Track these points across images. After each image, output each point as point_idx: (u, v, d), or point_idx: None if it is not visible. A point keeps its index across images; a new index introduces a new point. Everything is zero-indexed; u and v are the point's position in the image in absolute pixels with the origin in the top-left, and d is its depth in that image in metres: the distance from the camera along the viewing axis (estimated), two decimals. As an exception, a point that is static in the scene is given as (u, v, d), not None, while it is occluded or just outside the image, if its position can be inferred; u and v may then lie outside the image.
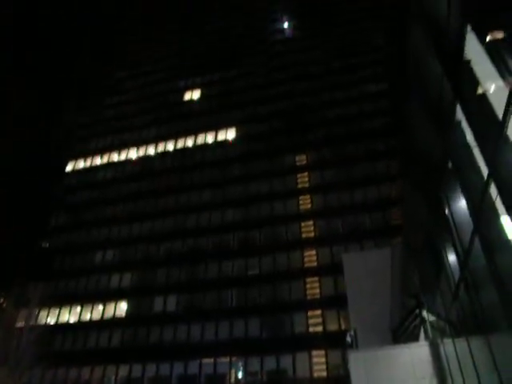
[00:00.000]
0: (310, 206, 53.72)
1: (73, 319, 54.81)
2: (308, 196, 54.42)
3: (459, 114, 13.99)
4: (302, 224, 52.39)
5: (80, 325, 53.87)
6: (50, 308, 55.72)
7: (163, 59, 79.92)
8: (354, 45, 66.06)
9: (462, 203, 14.47)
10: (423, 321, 20.57)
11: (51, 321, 55.34)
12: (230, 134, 63.83)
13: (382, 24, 65.26)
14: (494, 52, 10.33)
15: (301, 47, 70.16)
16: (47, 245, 63.84)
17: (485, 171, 11.17)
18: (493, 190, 10.77)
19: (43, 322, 55.03)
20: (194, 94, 72.08)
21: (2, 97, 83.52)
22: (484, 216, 11.24)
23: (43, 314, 55.58)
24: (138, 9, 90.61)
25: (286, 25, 77.08)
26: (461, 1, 11.81)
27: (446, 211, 15.55)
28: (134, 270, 55.84)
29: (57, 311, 55.62)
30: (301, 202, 54.25)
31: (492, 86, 11.53)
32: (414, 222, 19.61)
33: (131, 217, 60.33)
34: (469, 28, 11.85)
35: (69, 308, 55.47)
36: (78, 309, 55.07)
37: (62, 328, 54.12)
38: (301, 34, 73.47)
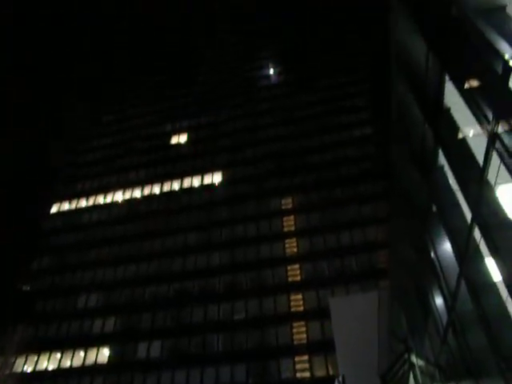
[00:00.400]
0: (296, 249, 53.64)
1: (52, 366, 52.93)
2: (294, 239, 54.43)
3: (441, 159, 14.43)
4: (288, 267, 52.11)
5: (60, 372, 51.98)
6: (27, 355, 53.97)
7: (151, 103, 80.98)
8: (339, 91, 67.84)
9: (447, 246, 14.69)
10: (412, 365, 20.34)
11: (28, 369, 53.43)
12: (216, 178, 64.19)
13: (366, 70, 67.57)
14: (471, 99, 10.84)
15: (286, 92, 71.78)
16: (28, 287, 62.39)
17: (468, 215, 11.44)
18: (477, 234, 11.00)
19: (19, 370, 53.29)
20: (181, 138, 72.81)
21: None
22: (469, 259, 11.43)
23: (20, 361, 53.82)
24: (127, 55, 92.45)
25: (271, 71, 79.00)
26: (438, 52, 12.44)
27: (432, 254, 15.74)
28: (117, 314, 54.57)
29: (35, 358, 53.74)
30: (287, 245, 54.18)
31: (471, 132, 12.02)
32: (401, 265, 19.74)
33: (116, 260, 59.46)
34: (447, 77, 12.43)
35: (48, 354, 53.65)
36: (58, 355, 53.28)
37: (40, 376, 52.25)
38: (287, 80, 75.30)
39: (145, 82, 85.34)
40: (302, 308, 48.62)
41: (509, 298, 10.46)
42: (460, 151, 12.04)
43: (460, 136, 12.62)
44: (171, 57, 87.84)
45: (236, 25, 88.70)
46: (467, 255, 11.58)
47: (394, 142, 17.57)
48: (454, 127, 12.37)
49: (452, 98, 12.00)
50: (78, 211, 68.57)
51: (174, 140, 73.01)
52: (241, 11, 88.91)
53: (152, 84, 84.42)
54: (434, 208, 15.25)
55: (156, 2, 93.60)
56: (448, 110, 12.72)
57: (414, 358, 19.89)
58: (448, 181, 13.69)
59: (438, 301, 15.82)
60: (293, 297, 49.64)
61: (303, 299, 49.02)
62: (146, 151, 72.50)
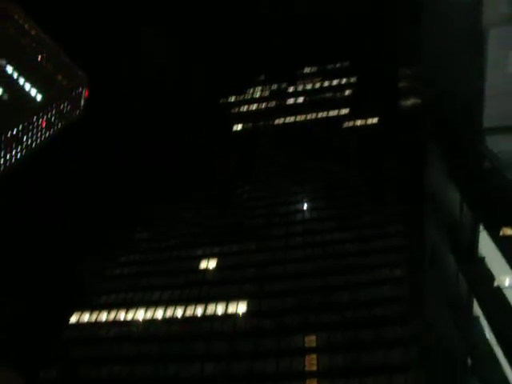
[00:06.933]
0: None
1: None
2: (315, 380, 51.50)
3: (477, 309, 14.09)
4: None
5: None
6: None
7: (184, 225, 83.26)
8: (371, 230, 68.61)
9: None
10: None
11: None
12: (240, 307, 63.21)
13: (399, 210, 68.66)
14: (506, 248, 10.95)
15: (318, 229, 72.99)
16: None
17: (507, 368, 10.90)
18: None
19: None
20: (210, 263, 73.40)
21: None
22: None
23: None
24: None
25: (305, 205, 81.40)
26: (472, 202, 12.89)
27: (466, 411, 14.61)
28: None
29: None
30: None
31: (507, 281, 11.90)
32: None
33: (127, 380, 57.09)
34: (481, 227, 12.70)
35: None
36: None
37: None
38: (319, 216, 76.99)
39: (181, 207, 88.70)
40: None
41: None
42: (495, 301, 11.84)
43: (495, 285, 12.48)
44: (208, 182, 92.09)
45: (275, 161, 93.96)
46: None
47: (427, 288, 17.39)
48: (489, 276, 12.30)
49: (487, 246, 12.15)
50: (97, 324, 67.67)
51: (203, 265, 73.59)
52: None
53: (188, 206, 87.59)
54: (469, 361, 14.55)
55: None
56: (482, 259, 12.77)
57: None
58: (485, 333, 13.24)
59: None
60: None
61: None
62: (174, 272, 72.97)
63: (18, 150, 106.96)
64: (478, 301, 13.61)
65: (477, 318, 14.26)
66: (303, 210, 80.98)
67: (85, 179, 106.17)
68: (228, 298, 64.82)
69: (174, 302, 67.17)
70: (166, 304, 67.34)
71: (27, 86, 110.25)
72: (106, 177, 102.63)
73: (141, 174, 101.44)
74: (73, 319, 69.86)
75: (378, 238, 67.05)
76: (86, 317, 69.68)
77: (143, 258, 78.85)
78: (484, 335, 13.70)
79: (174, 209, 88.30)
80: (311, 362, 53.66)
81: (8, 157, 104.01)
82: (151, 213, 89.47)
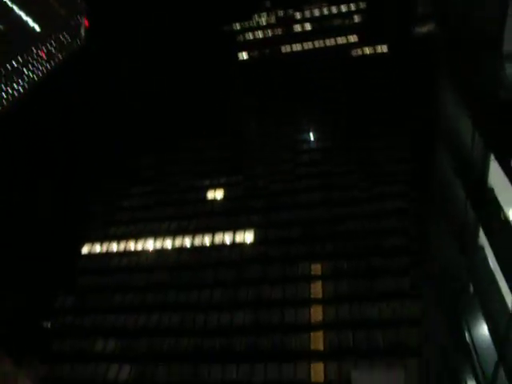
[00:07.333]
0: (321, 317, 52.44)
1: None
2: (320, 307, 53.36)
3: (482, 239, 14.17)
4: (312, 335, 50.85)
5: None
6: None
7: (190, 161, 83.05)
8: (376, 160, 68.30)
9: (483, 330, 14.10)
10: None
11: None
12: (248, 236, 64.39)
13: (406, 140, 67.98)
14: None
15: (325, 159, 72.68)
16: (48, 325, 62.60)
17: (508, 298, 11.09)
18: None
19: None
20: (218, 194, 74.03)
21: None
22: (509, 345, 10.94)
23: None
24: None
25: (311, 136, 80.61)
26: (484, 132, 12.58)
27: (467, 336, 15.12)
28: (134, 362, 53.92)
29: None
30: (312, 312, 53.12)
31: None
32: (432, 345, 18.97)
33: (139, 308, 59.47)
34: (492, 157, 12.46)
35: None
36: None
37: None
38: (326, 146, 76.42)
39: (189, 137, 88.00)
40: (322, 378, 46.90)
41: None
42: (503, 233, 11.85)
43: (502, 217, 12.45)
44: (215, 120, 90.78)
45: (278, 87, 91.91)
46: (508, 343, 11.12)
47: (433, 218, 17.45)
48: (497, 208, 12.23)
49: (497, 178, 11.97)
50: (109, 254, 69.61)
51: (210, 195, 74.25)
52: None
53: (196, 136, 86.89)
54: (472, 288, 14.84)
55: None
56: (491, 190, 12.65)
57: None
58: (488, 263, 13.38)
59: (471, 386, 15.03)
60: (313, 366, 48.06)
61: (324, 369, 47.37)
62: (182, 203, 73.84)
63: (20, 83, 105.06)
64: (485, 231, 13.62)
65: (482, 248, 14.36)
66: (310, 140, 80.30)
67: (88, 111, 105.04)
68: (235, 228, 65.95)
69: (183, 232, 68.51)
70: (175, 234, 68.71)
71: (24, 17, 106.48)
72: (111, 108, 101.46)
73: (149, 103, 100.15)
74: (85, 250, 71.79)
75: (385, 165, 66.88)
76: (97, 248, 71.52)
77: (152, 189, 79.52)
78: (488, 265, 13.84)
79: (182, 139, 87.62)
80: (316, 289, 55.36)
81: (10, 90, 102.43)
82: (160, 143, 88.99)
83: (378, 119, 75.30)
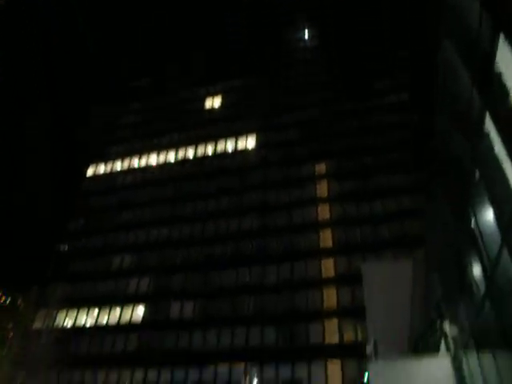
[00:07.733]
0: (328, 215, 53.52)
1: (90, 322, 55.16)
2: (327, 205, 54.26)
3: (488, 125, 13.85)
4: (320, 233, 52.20)
5: (97, 328, 54.18)
6: (67, 310, 56.23)
7: (186, 67, 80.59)
8: (376, 55, 65.89)
9: (489, 214, 14.25)
10: (444, 334, 20.24)
11: (68, 323, 55.81)
12: (250, 142, 64.05)
13: (406, 35, 65.23)
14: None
15: (322, 58, 70.22)
16: (66, 248, 64.55)
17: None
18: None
19: (60, 324, 55.57)
20: (216, 101, 72.58)
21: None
22: (513, 229, 11.07)
23: (61, 316, 56.11)
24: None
25: (310, 38, 77.16)
26: (493, 9, 11.74)
27: (473, 222, 15.35)
28: (151, 275, 56.08)
29: (74, 314, 56.05)
30: (319, 211, 54.09)
31: (523, 98, 11.41)
32: (438, 232, 19.39)
33: (149, 222, 60.75)
34: (501, 38, 11.73)
35: (86, 311, 55.86)
36: (96, 312, 55.41)
37: (79, 331, 54.55)
38: (322, 46, 73.52)
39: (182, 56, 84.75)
40: (333, 273, 48.85)
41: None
42: (509, 118, 11.50)
43: (511, 103, 12.02)
44: (208, 24, 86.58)
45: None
46: (511, 225, 11.24)
47: (437, 106, 16.98)
48: (505, 93, 11.77)
49: (505, 62, 11.38)
50: (113, 174, 69.98)
51: (209, 103, 72.86)
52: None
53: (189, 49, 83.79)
54: (477, 175, 14.79)
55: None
56: (499, 74, 12.09)
57: (446, 327, 19.75)
58: (494, 149, 13.17)
59: (477, 270, 15.50)
60: (324, 262, 49.84)
61: (334, 265, 49.18)
62: (181, 114, 72.72)
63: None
64: (492, 117, 13.18)
65: (487, 135, 13.99)
66: (308, 41, 77.04)
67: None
68: (236, 134, 65.41)
69: (185, 144, 68.19)
70: (177, 146, 68.43)
71: None
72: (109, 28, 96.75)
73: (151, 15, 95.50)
74: (89, 172, 72.03)
75: (384, 64, 64.68)
76: (101, 168, 71.68)
77: (150, 104, 77.98)
78: (493, 151, 13.56)
79: (178, 55, 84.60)
80: (322, 189, 56.02)
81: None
82: (157, 58, 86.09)
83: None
